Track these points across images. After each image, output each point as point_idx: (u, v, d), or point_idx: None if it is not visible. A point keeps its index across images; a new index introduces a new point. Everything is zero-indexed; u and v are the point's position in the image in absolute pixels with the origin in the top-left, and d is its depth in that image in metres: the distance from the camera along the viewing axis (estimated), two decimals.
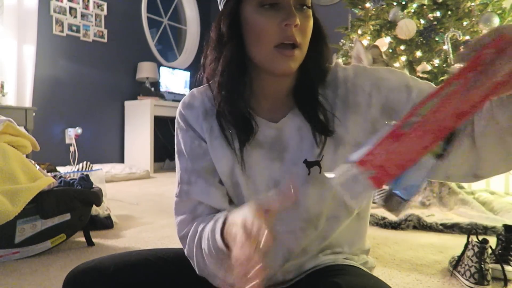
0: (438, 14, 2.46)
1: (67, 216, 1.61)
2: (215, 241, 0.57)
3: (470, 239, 1.30)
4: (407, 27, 2.36)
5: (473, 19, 2.41)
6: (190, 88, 5.49)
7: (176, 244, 0.74)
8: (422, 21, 2.52)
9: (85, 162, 2.40)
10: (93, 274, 0.67)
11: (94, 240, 1.72)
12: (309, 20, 0.63)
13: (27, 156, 1.70)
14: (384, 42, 2.54)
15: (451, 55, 2.32)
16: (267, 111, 0.69)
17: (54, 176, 1.80)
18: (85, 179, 1.78)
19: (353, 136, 0.65)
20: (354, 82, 0.67)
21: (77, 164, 3.67)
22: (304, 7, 0.62)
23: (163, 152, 5.25)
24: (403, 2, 2.52)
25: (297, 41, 0.61)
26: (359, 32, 2.72)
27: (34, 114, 3.36)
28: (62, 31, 4.15)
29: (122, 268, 0.69)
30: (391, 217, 2.10)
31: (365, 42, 2.69)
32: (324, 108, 0.66)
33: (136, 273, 0.69)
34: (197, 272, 0.66)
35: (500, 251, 1.35)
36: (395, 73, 0.68)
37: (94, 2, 4.45)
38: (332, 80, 0.68)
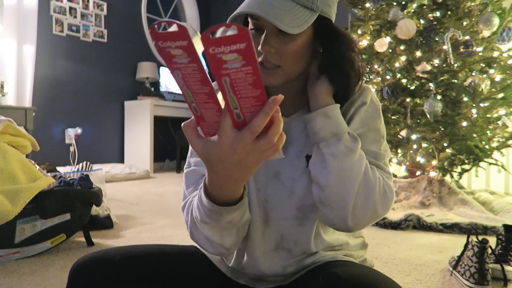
0: (438, 14, 2.45)
1: (67, 216, 1.61)
2: (203, 204, 0.59)
3: (470, 239, 1.30)
4: (407, 27, 2.36)
5: (473, 19, 2.41)
6: None
7: (176, 244, 0.74)
8: (422, 21, 2.52)
9: (85, 162, 2.39)
10: (99, 263, 0.69)
11: (94, 240, 1.72)
12: (290, 44, 0.65)
13: (27, 156, 1.70)
14: (384, 42, 2.54)
15: (451, 55, 2.32)
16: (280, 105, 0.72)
17: (54, 176, 1.80)
18: (85, 179, 1.78)
19: None
20: (358, 111, 0.71)
21: (77, 164, 3.67)
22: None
23: (163, 152, 5.25)
24: (403, 2, 2.52)
25: (274, 64, 0.66)
26: (359, 32, 2.72)
27: (34, 114, 3.36)
28: (62, 31, 4.15)
29: (128, 258, 0.71)
30: (391, 217, 2.11)
31: (365, 42, 2.70)
32: None
33: (141, 264, 0.71)
34: (191, 238, 0.69)
35: (500, 251, 1.35)
36: (376, 132, 0.72)
37: (94, 2, 4.45)
38: (354, 100, 0.72)
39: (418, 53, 2.50)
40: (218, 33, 0.37)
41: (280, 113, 0.46)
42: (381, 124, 0.72)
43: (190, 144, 0.50)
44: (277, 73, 0.67)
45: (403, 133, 2.51)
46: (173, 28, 0.37)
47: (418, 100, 2.46)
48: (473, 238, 1.28)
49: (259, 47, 0.65)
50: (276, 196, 0.71)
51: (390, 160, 2.74)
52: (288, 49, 0.65)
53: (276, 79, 0.67)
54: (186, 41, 0.37)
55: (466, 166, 2.51)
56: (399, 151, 2.68)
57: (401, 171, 3.02)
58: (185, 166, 0.76)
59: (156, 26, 0.38)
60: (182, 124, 0.49)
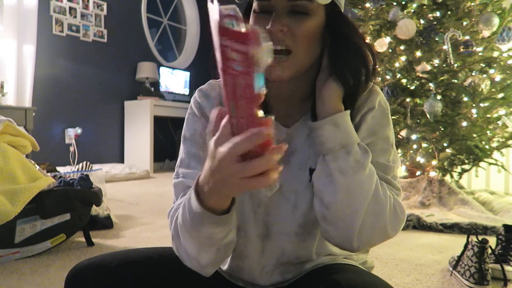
0: (438, 14, 2.45)
1: (67, 216, 1.61)
2: (190, 204, 0.54)
3: (470, 239, 1.30)
4: (407, 27, 2.35)
5: (473, 19, 2.41)
6: (190, 88, 5.49)
7: None
8: (422, 21, 2.52)
9: (85, 162, 2.39)
10: (95, 270, 0.68)
11: (94, 240, 1.72)
12: (303, 25, 0.60)
13: (27, 156, 1.70)
14: (384, 42, 2.54)
15: (451, 55, 2.32)
16: (282, 115, 0.68)
17: (54, 176, 1.80)
18: (85, 179, 1.78)
19: None
20: (365, 118, 0.65)
21: (77, 164, 3.67)
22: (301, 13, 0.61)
23: (163, 152, 5.25)
24: (403, 2, 2.52)
25: (284, 46, 0.59)
26: None
27: (34, 114, 3.36)
28: (62, 31, 4.15)
29: (124, 263, 0.69)
30: None
31: None
32: None
33: (138, 269, 0.70)
34: (174, 250, 0.65)
35: (500, 251, 1.35)
36: (387, 142, 0.66)
37: (94, 2, 4.45)
38: (361, 105, 0.66)
39: (418, 53, 2.49)
40: (231, 23, 0.32)
41: (279, 155, 0.40)
42: (390, 130, 0.66)
43: (209, 122, 0.45)
44: (286, 61, 0.60)
45: (403, 133, 2.51)
46: (240, 27, 0.32)
47: (418, 100, 2.46)
48: (473, 238, 1.28)
49: (269, 26, 0.59)
50: (278, 209, 0.66)
51: None
52: (302, 30, 0.60)
53: (283, 70, 0.60)
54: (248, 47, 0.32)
55: (466, 166, 2.51)
56: (399, 151, 2.68)
57: (401, 171, 3.02)
58: (173, 175, 0.71)
59: (224, 17, 0.32)
60: (217, 109, 0.44)
